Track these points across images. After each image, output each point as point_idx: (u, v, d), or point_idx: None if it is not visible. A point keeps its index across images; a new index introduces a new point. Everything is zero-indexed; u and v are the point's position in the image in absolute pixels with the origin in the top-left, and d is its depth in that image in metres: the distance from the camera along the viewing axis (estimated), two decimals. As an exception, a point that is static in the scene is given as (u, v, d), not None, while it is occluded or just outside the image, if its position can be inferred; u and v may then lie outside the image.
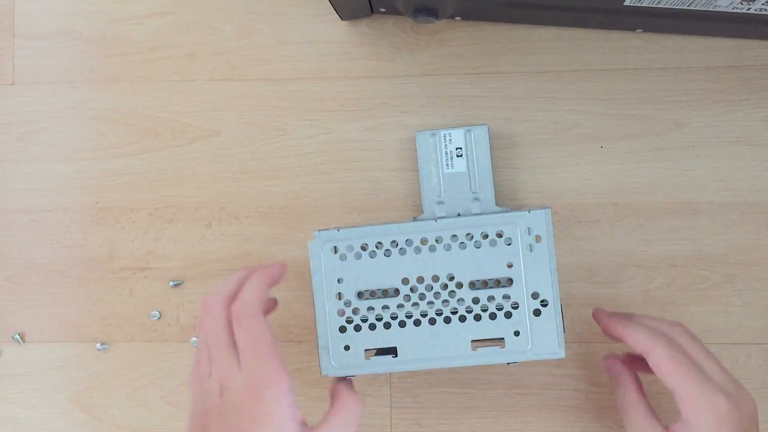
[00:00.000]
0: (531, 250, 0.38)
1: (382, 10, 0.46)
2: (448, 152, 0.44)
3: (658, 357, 0.36)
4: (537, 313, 0.37)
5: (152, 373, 0.47)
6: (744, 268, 0.44)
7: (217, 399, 0.33)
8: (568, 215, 0.46)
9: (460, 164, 0.43)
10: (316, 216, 0.47)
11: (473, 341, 0.38)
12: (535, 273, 0.37)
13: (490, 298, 0.38)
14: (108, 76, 0.49)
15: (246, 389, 0.32)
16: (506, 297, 0.38)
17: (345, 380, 0.38)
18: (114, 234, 0.48)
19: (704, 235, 0.45)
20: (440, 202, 0.43)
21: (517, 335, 0.37)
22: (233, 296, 0.35)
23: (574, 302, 0.45)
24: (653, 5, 0.41)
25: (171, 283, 0.47)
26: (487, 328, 0.37)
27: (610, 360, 0.41)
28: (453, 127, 0.44)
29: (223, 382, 0.33)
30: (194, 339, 0.47)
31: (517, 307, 0.37)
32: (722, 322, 0.44)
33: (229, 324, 0.34)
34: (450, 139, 0.44)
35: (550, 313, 0.37)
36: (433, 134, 0.44)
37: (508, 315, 0.37)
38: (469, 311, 0.38)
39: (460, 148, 0.43)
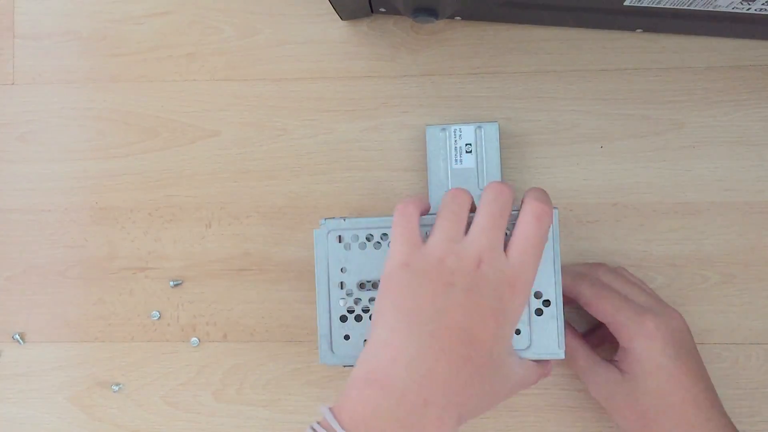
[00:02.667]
0: None
1: (382, 10, 0.46)
2: (458, 148, 0.43)
3: (586, 297, 0.39)
4: (539, 312, 0.37)
5: (152, 373, 0.47)
6: (744, 268, 0.44)
7: (472, 267, 0.32)
8: (568, 215, 0.46)
9: (469, 160, 0.43)
10: (316, 216, 0.47)
11: None
12: (539, 272, 0.37)
13: None
14: (108, 76, 0.49)
15: (508, 276, 0.33)
16: None
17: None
18: (114, 234, 0.48)
19: (704, 235, 0.45)
20: None
21: (517, 333, 0.37)
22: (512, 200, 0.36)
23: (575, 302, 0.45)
24: (653, 5, 0.41)
25: (171, 283, 0.47)
26: None
27: None
28: (464, 123, 0.44)
29: (486, 257, 0.33)
30: (194, 339, 0.47)
31: None
32: (722, 322, 0.44)
33: (509, 212, 0.35)
34: (460, 135, 0.43)
35: (552, 313, 0.37)
36: (444, 129, 0.44)
37: None
38: None
39: (470, 144, 0.43)
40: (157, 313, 0.47)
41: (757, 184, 0.45)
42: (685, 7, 0.41)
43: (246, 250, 0.47)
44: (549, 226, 0.35)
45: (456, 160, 0.43)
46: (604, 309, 0.38)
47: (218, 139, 0.48)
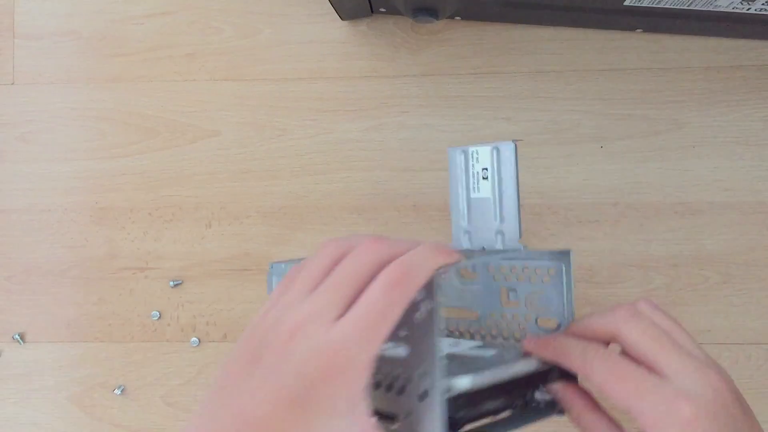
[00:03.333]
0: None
1: (382, 10, 0.46)
2: (475, 173, 0.39)
3: (598, 378, 0.31)
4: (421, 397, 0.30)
5: (152, 373, 0.47)
6: (744, 269, 0.44)
7: (283, 340, 0.26)
8: (568, 215, 0.45)
9: (485, 188, 0.38)
10: (316, 216, 0.47)
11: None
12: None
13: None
14: (108, 76, 0.49)
15: (325, 353, 0.26)
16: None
17: None
18: (114, 234, 0.48)
19: (704, 235, 0.45)
20: (467, 232, 0.39)
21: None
22: (391, 258, 0.29)
23: (575, 302, 0.45)
24: (653, 5, 0.41)
25: (171, 283, 0.47)
26: None
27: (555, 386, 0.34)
28: (481, 143, 0.38)
29: (304, 327, 0.26)
30: (194, 339, 0.47)
31: None
32: (722, 322, 0.44)
33: (369, 276, 0.28)
34: (477, 158, 0.38)
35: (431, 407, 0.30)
36: (463, 151, 0.39)
37: None
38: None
39: (486, 169, 0.38)
40: (157, 313, 0.47)
41: (756, 184, 0.45)
42: (685, 8, 0.41)
43: (246, 250, 0.47)
44: (405, 299, 0.27)
45: (474, 189, 0.38)
46: (621, 393, 0.30)
47: (218, 139, 0.48)
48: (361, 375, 0.26)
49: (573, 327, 0.34)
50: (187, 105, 0.48)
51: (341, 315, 0.27)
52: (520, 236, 0.35)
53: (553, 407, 0.34)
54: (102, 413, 0.47)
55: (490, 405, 0.31)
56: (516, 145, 0.36)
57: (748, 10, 0.40)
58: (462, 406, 0.30)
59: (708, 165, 0.45)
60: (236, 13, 0.49)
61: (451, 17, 0.46)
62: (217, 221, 0.48)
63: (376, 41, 0.48)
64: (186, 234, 0.48)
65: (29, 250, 0.49)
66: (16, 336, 0.48)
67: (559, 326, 0.35)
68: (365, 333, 0.26)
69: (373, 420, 0.27)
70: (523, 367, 0.32)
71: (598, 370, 0.30)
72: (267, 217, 0.47)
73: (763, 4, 0.39)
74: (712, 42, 0.46)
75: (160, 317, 0.47)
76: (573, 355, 0.32)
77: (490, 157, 0.38)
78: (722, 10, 0.40)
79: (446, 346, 0.36)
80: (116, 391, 0.47)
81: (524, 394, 0.32)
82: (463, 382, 0.29)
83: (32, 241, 0.49)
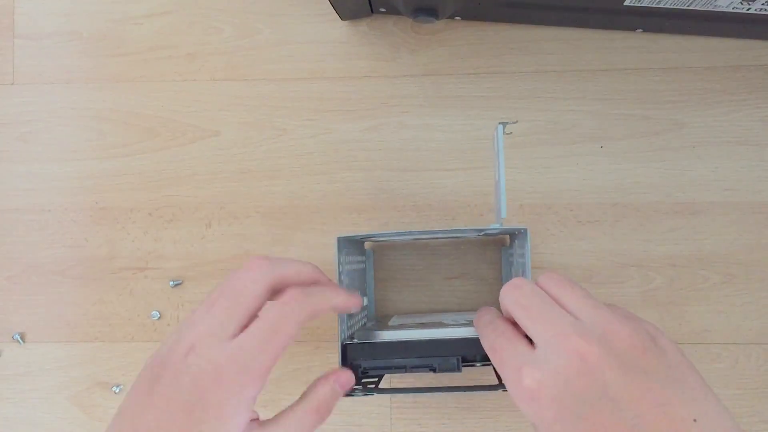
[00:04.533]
0: None
1: (383, 10, 0.46)
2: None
3: (485, 344, 0.31)
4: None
5: (152, 373, 0.47)
6: (744, 268, 0.44)
7: (179, 356, 0.28)
8: (568, 215, 0.45)
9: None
10: (316, 216, 0.47)
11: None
12: None
13: None
14: (108, 76, 0.49)
15: (217, 365, 0.27)
16: None
17: (337, 389, 0.33)
18: (114, 234, 0.48)
19: (704, 235, 0.45)
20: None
21: None
22: (286, 280, 0.31)
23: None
24: (653, 5, 0.41)
25: (171, 283, 0.47)
26: None
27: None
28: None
29: (198, 343, 0.28)
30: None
31: None
32: (722, 322, 0.44)
33: (263, 297, 0.30)
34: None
35: None
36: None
37: None
38: None
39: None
40: (157, 313, 0.47)
41: (757, 184, 0.45)
42: (685, 7, 0.41)
43: (246, 250, 0.47)
44: (298, 314, 0.29)
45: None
46: (494, 363, 0.29)
47: (218, 139, 0.48)
48: (253, 382, 0.28)
49: None
50: (187, 105, 0.48)
51: (235, 332, 0.29)
52: (502, 215, 0.35)
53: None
54: (102, 413, 0.47)
55: (401, 361, 0.34)
56: (502, 127, 0.36)
57: (748, 10, 0.40)
58: (366, 355, 0.34)
59: (708, 165, 0.45)
60: (236, 13, 0.49)
61: (451, 17, 0.46)
62: (217, 221, 0.48)
63: (376, 41, 0.48)
64: (186, 234, 0.48)
65: (29, 250, 0.49)
66: (16, 336, 0.48)
67: None
68: (254, 343, 0.28)
69: (254, 425, 0.29)
70: (438, 334, 0.34)
71: (485, 341, 0.31)
72: (267, 217, 0.47)
73: (763, 4, 0.39)
74: (713, 42, 0.46)
75: (160, 317, 0.47)
76: (477, 325, 0.32)
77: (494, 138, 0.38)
78: (722, 10, 0.40)
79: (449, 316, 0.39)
80: (115, 390, 0.47)
81: (455, 360, 0.34)
82: (361, 335, 0.35)
83: (32, 241, 0.49)
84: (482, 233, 0.38)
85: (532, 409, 0.26)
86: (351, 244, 0.40)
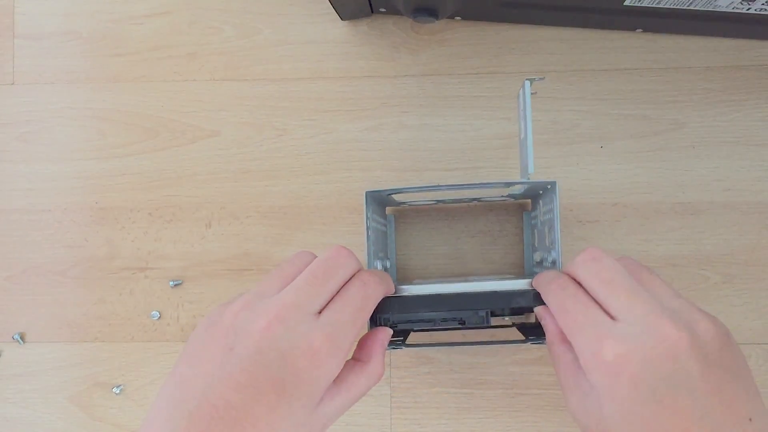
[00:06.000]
0: None
1: (382, 10, 0.46)
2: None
3: (552, 311, 0.30)
4: None
5: (152, 373, 0.47)
6: (744, 268, 0.44)
7: (260, 328, 0.26)
8: (568, 215, 0.45)
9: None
10: (316, 216, 0.47)
11: None
12: None
13: None
14: (108, 76, 0.49)
15: (310, 342, 0.26)
16: None
17: (383, 345, 0.32)
18: (114, 234, 0.48)
19: (704, 235, 0.45)
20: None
21: None
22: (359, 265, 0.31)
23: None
24: (653, 5, 0.41)
25: (171, 283, 0.47)
26: None
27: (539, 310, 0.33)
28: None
29: (283, 316, 0.27)
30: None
31: None
32: (722, 321, 0.44)
33: (343, 276, 0.30)
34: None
35: None
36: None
37: None
38: None
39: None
40: (157, 313, 0.47)
41: (757, 184, 0.45)
42: (685, 7, 0.41)
43: (246, 250, 0.47)
44: (375, 296, 0.30)
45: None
46: (563, 325, 0.29)
47: (218, 139, 0.48)
48: (342, 360, 0.28)
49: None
50: (187, 105, 0.48)
51: (320, 309, 0.28)
52: (530, 171, 0.35)
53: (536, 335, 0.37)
54: (102, 413, 0.47)
55: (430, 314, 0.34)
56: (529, 83, 0.36)
57: (748, 10, 0.40)
58: (394, 309, 0.34)
59: (708, 165, 0.45)
60: (236, 13, 0.49)
61: (451, 17, 0.46)
62: (217, 221, 0.48)
63: (376, 41, 0.48)
64: (186, 234, 0.48)
65: (29, 250, 0.49)
66: (16, 336, 0.48)
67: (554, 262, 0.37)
68: (344, 321, 0.28)
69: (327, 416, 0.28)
70: (466, 287, 0.34)
71: (552, 299, 0.30)
72: (267, 217, 0.47)
73: (763, 4, 0.39)
74: (712, 42, 0.46)
75: (160, 317, 0.47)
76: (542, 282, 0.32)
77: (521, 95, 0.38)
78: (722, 10, 0.40)
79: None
80: (115, 390, 0.47)
81: (485, 314, 0.34)
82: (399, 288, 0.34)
83: (32, 241, 0.49)
84: (510, 186, 0.38)
85: (606, 382, 0.26)
86: (375, 204, 0.40)
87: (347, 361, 0.30)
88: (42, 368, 0.48)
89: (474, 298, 0.34)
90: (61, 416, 0.48)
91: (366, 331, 0.33)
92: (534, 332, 0.37)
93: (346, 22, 0.48)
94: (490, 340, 0.39)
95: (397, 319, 0.34)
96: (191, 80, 0.49)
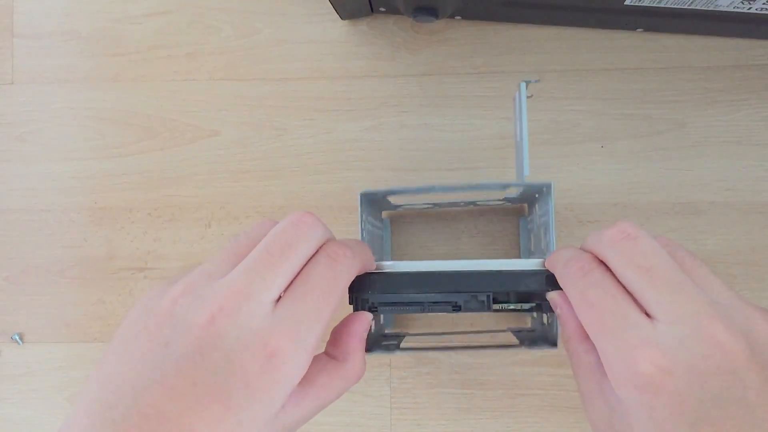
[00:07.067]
0: None
1: (383, 9, 0.46)
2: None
3: (572, 301, 0.25)
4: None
5: (151, 374, 0.47)
6: (745, 268, 0.44)
7: (202, 321, 0.21)
8: (569, 215, 0.45)
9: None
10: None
11: None
12: None
13: None
14: (107, 76, 0.49)
15: (265, 338, 0.21)
16: None
17: (362, 339, 0.27)
18: (113, 234, 0.48)
19: (705, 236, 0.45)
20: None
21: None
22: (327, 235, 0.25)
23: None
24: (654, 5, 0.41)
25: (170, 284, 0.47)
26: None
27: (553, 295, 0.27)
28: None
29: (230, 306, 0.22)
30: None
31: None
32: None
33: (306, 249, 0.24)
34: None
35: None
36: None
37: None
38: None
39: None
40: (157, 314, 0.47)
41: (757, 184, 0.45)
42: (686, 7, 0.40)
43: (245, 250, 0.47)
44: (347, 275, 0.24)
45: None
46: (586, 321, 0.23)
47: (218, 139, 0.48)
48: (307, 359, 0.22)
49: (581, 244, 0.27)
50: (186, 105, 0.48)
51: (277, 296, 0.23)
52: (525, 173, 0.34)
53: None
54: (101, 414, 0.47)
55: (418, 296, 0.28)
56: (525, 85, 0.35)
57: (749, 9, 0.40)
58: (375, 287, 0.28)
59: (709, 165, 0.45)
60: (236, 12, 0.49)
61: (452, 17, 0.46)
62: (217, 221, 0.47)
63: (376, 41, 0.48)
64: (185, 234, 0.48)
65: (28, 250, 0.48)
66: (15, 336, 0.48)
67: None
68: (308, 310, 0.22)
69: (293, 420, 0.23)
70: (464, 266, 0.28)
71: (572, 287, 0.24)
72: (267, 217, 0.47)
73: (764, 3, 0.39)
74: (713, 41, 0.45)
75: (159, 317, 0.47)
76: (557, 261, 0.25)
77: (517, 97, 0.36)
78: (723, 9, 0.40)
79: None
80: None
81: (486, 300, 0.28)
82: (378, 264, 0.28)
83: (31, 241, 0.48)
84: (506, 188, 0.37)
85: (641, 400, 0.21)
86: (370, 206, 0.40)
87: (318, 356, 0.25)
88: (41, 368, 0.48)
89: (473, 278, 0.28)
90: (60, 416, 0.47)
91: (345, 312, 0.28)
92: (530, 336, 0.36)
93: (346, 22, 0.48)
94: (486, 344, 0.38)
95: (379, 300, 0.28)
96: (191, 80, 0.48)
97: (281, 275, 0.23)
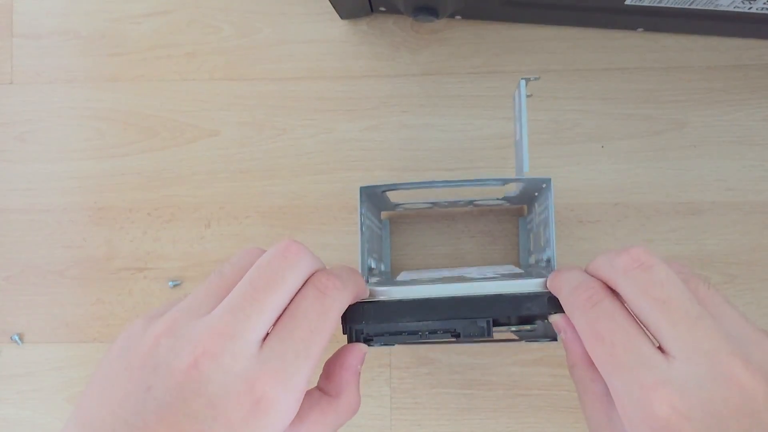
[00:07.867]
0: None
1: (382, 9, 0.46)
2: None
3: (580, 333, 0.23)
4: None
5: (151, 374, 0.47)
6: (745, 268, 0.44)
7: (184, 365, 0.20)
8: (569, 215, 0.45)
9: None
10: (316, 216, 0.47)
11: None
12: None
13: None
14: (107, 76, 0.49)
15: (250, 383, 0.20)
16: None
17: (356, 372, 0.26)
18: (113, 234, 0.48)
19: (706, 235, 0.45)
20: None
21: None
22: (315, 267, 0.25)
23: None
24: (654, 4, 0.41)
25: (170, 284, 0.47)
26: None
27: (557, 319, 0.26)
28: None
29: (215, 349, 0.20)
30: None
31: None
32: None
33: (293, 282, 0.23)
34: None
35: None
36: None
37: None
38: None
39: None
40: (156, 314, 0.47)
41: (758, 184, 0.45)
42: (687, 7, 0.40)
43: (245, 250, 0.47)
44: (337, 308, 0.23)
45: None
46: (595, 355, 0.22)
47: (218, 138, 0.48)
48: (297, 403, 0.21)
49: (588, 266, 0.26)
50: (186, 105, 0.48)
51: (264, 335, 0.22)
52: (524, 170, 0.34)
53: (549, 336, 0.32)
54: (101, 414, 0.47)
55: (415, 325, 0.27)
56: (525, 82, 0.35)
57: (749, 9, 0.40)
58: (369, 318, 0.27)
59: (709, 165, 0.45)
60: (235, 12, 0.49)
61: (452, 16, 0.46)
62: (217, 221, 0.47)
63: (376, 40, 0.48)
64: (185, 234, 0.48)
65: (27, 250, 0.48)
66: (15, 336, 0.48)
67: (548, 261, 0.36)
68: (297, 350, 0.21)
69: None
70: (461, 290, 0.27)
71: (580, 317, 0.23)
72: (267, 217, 0.47)
73: (764, 3, 0.39)
74: (714, 41, 0.45)
75: (159, 318, 0.47)
76: (562, 286, 0.25)
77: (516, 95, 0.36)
78: (724, 9, 0.40)
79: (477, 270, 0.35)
80: None
81: (485, 324, 0.27)
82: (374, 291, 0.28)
83: (30, 241, 0.48)
84: (505, 183, 0.37)
85: None
86: (370, 204, 0.40)
87: (310, 391, 0.24)
88: (40, 369, 0.48)
89: (472, 303, 0.27)
90: (60, 417, 0.47)
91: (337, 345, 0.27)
92: (530, 335, 0.36)
93: (345, 21, 0.48)
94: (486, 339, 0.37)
95: (374, 330, 0.27)
96: (190, 80, 0.48)
97: (267, 311, 0.22)
